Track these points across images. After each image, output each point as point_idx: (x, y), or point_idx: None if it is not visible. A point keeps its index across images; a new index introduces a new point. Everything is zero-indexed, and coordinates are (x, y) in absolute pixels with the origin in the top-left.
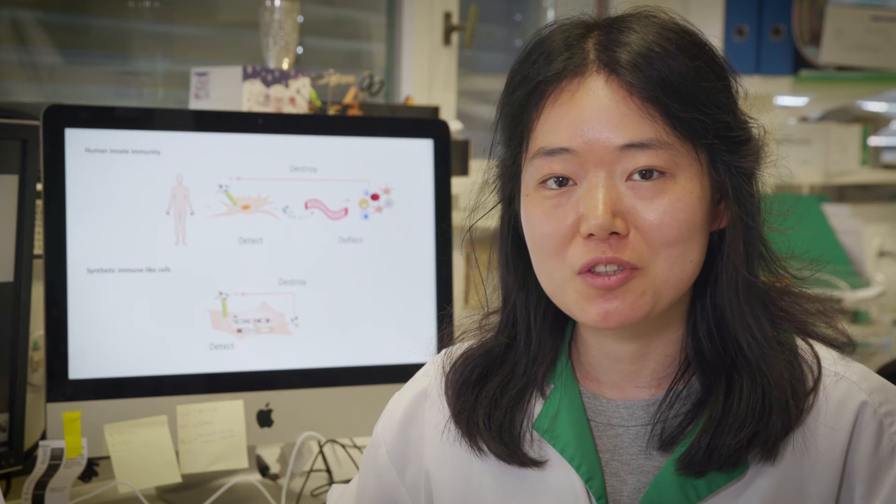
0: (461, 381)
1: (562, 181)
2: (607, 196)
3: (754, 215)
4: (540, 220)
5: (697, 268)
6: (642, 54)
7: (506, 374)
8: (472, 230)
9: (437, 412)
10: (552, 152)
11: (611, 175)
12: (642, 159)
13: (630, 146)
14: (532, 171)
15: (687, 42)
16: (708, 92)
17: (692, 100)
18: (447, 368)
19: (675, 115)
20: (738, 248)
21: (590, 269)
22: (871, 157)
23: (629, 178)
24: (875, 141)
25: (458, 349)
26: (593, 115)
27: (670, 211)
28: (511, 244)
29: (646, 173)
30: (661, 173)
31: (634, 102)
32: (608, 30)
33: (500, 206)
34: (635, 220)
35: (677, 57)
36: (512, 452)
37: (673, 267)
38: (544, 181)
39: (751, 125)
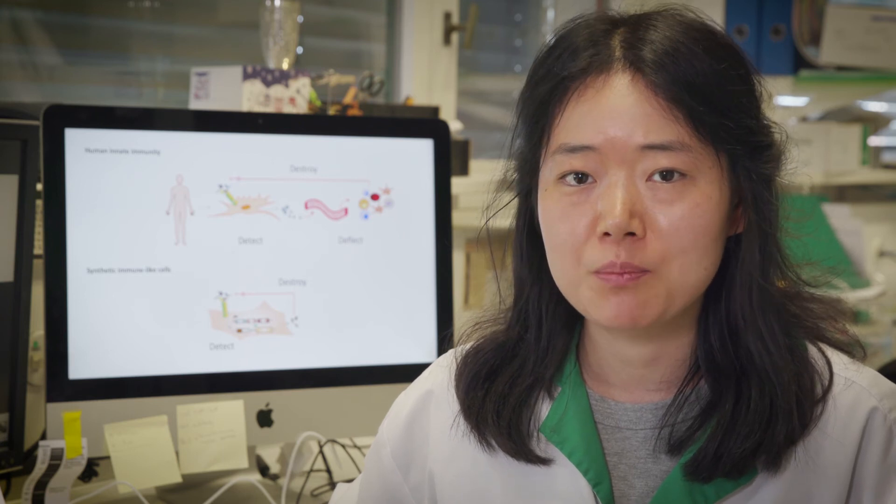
0: (471, 375)
1: (581, 178)
2: (626, 195)
3: (771, 221)
4: (557, 217)
5: (711, 274)
6: (669, 54)
7: (515, 370)
8: (479, 229)
9: (443, 411)
10: (574, 149)
11: (631, 174)
12: (663, 160)
13: (651, 147)
14: (552, 167)
15: (713, 44)
16: (732, 95)
17: (716, 103)
18: (458, 362)
19: (699, 117)
20: (754, 255)
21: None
22: (871, 157)
23: (649, 178)
24: (875, 141)
25: (467, 347)
26: (617, 113)
27: (688, 216)
28: (526, 238)
29: (666, 174)
30: (682, 175)
31: (659, 102)
32: (634, 27)
33: (515, 201)
34: (652, 222)
35: (703, 58)
36: (520, 449)
37: (687, 273)
38: (563, 177)
39: (773, 130)
